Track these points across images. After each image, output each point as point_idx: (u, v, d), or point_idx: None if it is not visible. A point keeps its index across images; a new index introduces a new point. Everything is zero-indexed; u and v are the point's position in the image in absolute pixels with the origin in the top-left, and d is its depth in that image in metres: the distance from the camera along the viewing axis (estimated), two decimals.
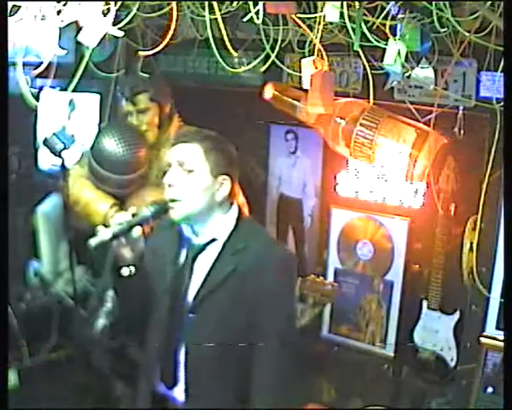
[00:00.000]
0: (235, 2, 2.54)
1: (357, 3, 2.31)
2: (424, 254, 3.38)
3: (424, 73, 2.90)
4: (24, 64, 2.38)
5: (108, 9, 2.33)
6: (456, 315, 3.24)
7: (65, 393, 3.16)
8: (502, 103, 2.69)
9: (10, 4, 2.16)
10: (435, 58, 2.78)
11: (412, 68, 2.79)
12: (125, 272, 2.16)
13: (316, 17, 2.45)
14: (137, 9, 2.60)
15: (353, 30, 2.37)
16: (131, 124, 3.27)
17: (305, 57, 2.65)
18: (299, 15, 2.52)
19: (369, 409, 3.46)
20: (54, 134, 2.58)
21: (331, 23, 2.49)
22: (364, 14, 2.38)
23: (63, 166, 2.50)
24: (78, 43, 2.41)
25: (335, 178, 3.53)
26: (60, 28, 2.32)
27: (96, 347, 2.58)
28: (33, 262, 3.56)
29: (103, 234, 2.09)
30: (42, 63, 2.38)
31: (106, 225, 2.13)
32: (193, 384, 2.25)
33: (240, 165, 2.32)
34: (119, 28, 2.42)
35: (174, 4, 2.59)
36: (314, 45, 2.54)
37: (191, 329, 2.24)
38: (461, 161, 3.10)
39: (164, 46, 2.76)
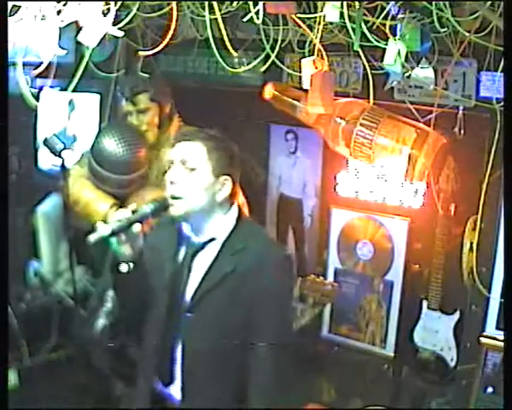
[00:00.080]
0: (235, 2, 2.54)
1: (357, 3, 2.31)
2: (424, 254, 3.38)
3: (424, 73, 2.90)
4: (24, 64, 2.38)
5: (108, 9, 2.33)
6: (456, 315, 3.24)
7: (65, 393, 3.16)
8: (502, 103, 2.69)
9: (10, 4, 2.16)
10: (435, 58, 2.78)
11: (412, 68, 2.79)
12: (124, 268, 2.16)
13: (316, 17, 2.45)
14: (137, 9, 2.60)
15: (353, 30, 2.37)
16: (131, 124, 3.27)
17: (305, 57, 2.65)
18: (299, 15, 2.52)
19: (369, 409, 3.46)
20: (54, 134, 2.58)
21: (331, 23, 2.49)
22: (364, 14, 2.38)
23: (63, 166, 2.50)
24: (78, 43, 2.41)
25: (335, 178, 3.53)
26: (60, 28, 2.32)
27: (96, 347, 2.57)
28: (33, 262, 3.56)
29: (102, 230, 2.09)
30: (42, 63, 2.38)
31: (105, 222, 2.13)
32: (190, 383, 2.26)
33: (240, 163, 2.33)
34: (119, 28, 2.42)
35: (174, 4, 2.59)
36: (314, 45, 2.54)
37: (188, 327, 2.24)
38: (461, 161, 3.11)
39: (164, 46, 2.76)
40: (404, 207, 3.39)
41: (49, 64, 2.40)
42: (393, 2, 2.34)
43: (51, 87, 3.77)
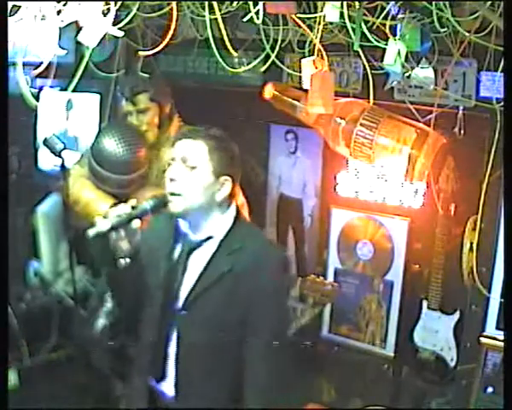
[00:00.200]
0: (235, 2, 2.54)
1: (357, 3, 2.31)
2: (424, 254, 3.38)
3: (424, 73, 2.90)
4: (24, 64, 2.38)
5: (108, 9, 2.33)
6: (456, 315, 3.24)
7: (65, 393, 3.16)
8: (502, 103, 2.69)
9: (10, 4, 2.16)
10: (435, 58, 2.78)
11: (412, 68, 2.79)
12: (121, 263, 2.16)
13: (316, 17, 2.45)
14: (137, 9, 2.60)
15: (353, 30, 2.37)
16: (131, 124, 3.27)
17: (305, 57, 2.65)
18: (299, 15, 2.52)
19: (369, 409, 3.46)
20: (54, 134, 2.58)
21: (331, 23, 2.49)
22: (364, 14, 2.38)
23: (63, 166, 2.50)
24: (78, 43, 2.41)
25: (335, 178, 3.53)
26: (60, 28, 2.32)
27: (96, 347, 2.58)
28: (33, 262, 3.56)
29: (101, 225, 2.10)
30: (42, 63, 2.38)
31: (105, 217, 2.14)
32: (184, 381, 2.26)
33: (241, 164, 2.33)
34: (119, 28, 2.42)
35: (174, 4, 2.59)
36: (314, 45, 2.54)
37: (184, 325, 2.25)
38: (461, 161, 3.11)
39: (164, 46, 2.76)
40: (404, 207, 3.39)
41: (49, 64, 2.39)
42: (393, 2, 2.34)
43: (51, 87, 3.77)
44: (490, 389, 3.02)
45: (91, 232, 2.08)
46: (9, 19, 2.15)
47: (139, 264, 2.20)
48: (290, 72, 3.25)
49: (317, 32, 2.46)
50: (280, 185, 3.87)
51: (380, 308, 3.54)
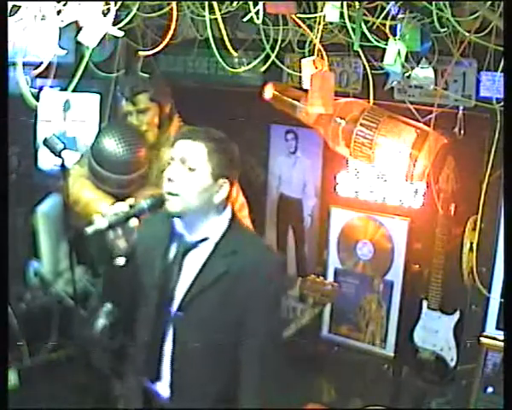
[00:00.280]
0: (235, 2, 2.54)
1: (357, 3, 2.31)
2: (424, 254, 3.38)
3: (424, 73, 2.90)
4: (24, 64, 2.38)
5: (108, 9, 2.33)
6: (456, 315, 3.24)
7: (65, 393, 3.16)
8: (502, 103, 2.69)
9: (10, 4, 2.16)
10: (435, 58, 2.77)
11: (412, 68, 2.78)
12: (118, 262, 2.17)
13: (316, 17, 2.45)
14: (137, 9, 2.60)
15: (353, 30, 2.37)
16: (131, 124, 3.27)
17: (305, 57, 2.65)
18: (299, 15, 2.52)
19: (369, 409, 3.46)
20: (54, 134, 2.58)
21: (331, 23, 2.49)
22: (364, 14, 2.38)
23: (63, 166, 2.49)
24: (78, 43, 2.41)
25: (335, 178, 3.53)
26: (60, 28, 2.31)
27: (96, 347, 2.57)
28: (33, 262, 3.56)
29: (99, 223, 2.10)
30: (42, 63, 2.38)
31: (103, 215, 2.14)
32: (179, 383, 2.27)
33: (240, 165, 2.33)
34: (119, 28, 2.42)
35: (174, 4, 2.59)
36: (314, 45, 2.54)
37: (179, 326, 2.25)
38: (461, 161, 3.11)
39: (164, 46, 2.76)
40: (404, 207, 3.39)
41: (49, 64, 2.39)
42: (393, 2, 2.34)
43: (51, 87, 3.76)
44: (490, 389, 3.02)
45: (89, 230, 2.09)
46: (9, 19, 2.15)
47: (135, 263, 2.21)
48: (290, 72, 3.25)
49: (317, 32, 2.46)
50: (280, 185, 3.87)
51: (380, 308, 3.54)
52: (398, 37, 2.40)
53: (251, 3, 2.39)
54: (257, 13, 2.39)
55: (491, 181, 2.88)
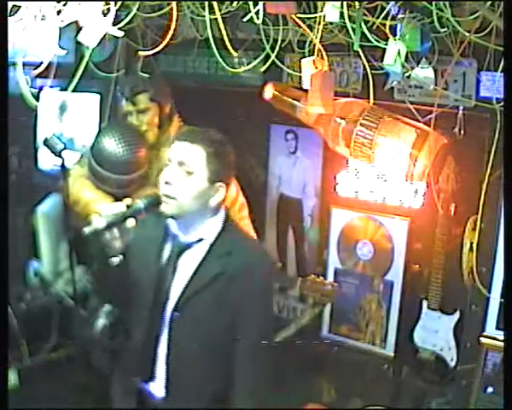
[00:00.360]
0: (235, 2, 2.54)
1: (357, 3, 2.31)
2: (424, 254, 3.38)
3: (424, 73, 2.90)
4: (24, 64, 2.38)
5: (108, 9, 2.33)
6: (456, 315, 3.24)
7: (65, 393, 3.16)
8: (502, 103, 2.69)
9: (10, 4, 2.16)
10: (435, 58, 2.77)
11: (412, 68, 2.78)
12: (113, 261, 2.17)
13: (316, 17, 2.45)
14: (137, 9, 2.60)
15: (353, 30, 2.37)
16: (131, 124, 3.26)
17: (305, 57, 2.65)
18: (299, 15, 2.52)
19: (369, 409, 3.46)
20: (54, 134, 2.58)
21: (331, 23, 2.49)
22: (364, 14, 2.38)
23: (63, 166, 2.50)
24: (78, 43, 2.41)
25: (335, 178, 3.53)
26: (60, 28, 2.32)
27: (96, 347, 2.58)
28: (33, 262, 3.56)
29: (97, 223, 2.10)
30: (42, 63, 2.38)
31: (100, 215, 2.15)
32: (173, 383, 2.28)
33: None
34: (119, 28, 2.42)
35: (174, 4, 2.59)
36: (314, 45, 2.54)
37: (174, 326, 2.26)
38: (461, 161, 3.10)
39: (164, 46, 2.76)
40: (404, 207, 3.39)
41: (49, 64, 2.39)
42: (393, 2, 2.34)
43: (51, 87, 3.77)
44: (490, 389, 3.02)
45: (87, 230, 2.10)
46: (9, 19, 2.15)
47: (129, 263, 2.22)
48: (290, 72, 3.25)
49: (317, 32, 2.46)
50: (280, 185, 3.87)
51: (380, 308, 3.54)
52: (398, 37, 2.40)
53: (251, 3, 2.39)
54: (257, 13, 2.39)
55: (491, 181, 2.88)
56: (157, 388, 2.31)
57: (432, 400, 3.37)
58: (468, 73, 3.01)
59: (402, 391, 3.52)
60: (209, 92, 3.71)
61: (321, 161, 3.69)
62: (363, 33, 2.38)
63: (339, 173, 3.51)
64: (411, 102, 3.07)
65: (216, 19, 2.48)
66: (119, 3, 2.36)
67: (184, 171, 2.18)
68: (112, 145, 3.12)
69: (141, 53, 3.23)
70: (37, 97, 3.19)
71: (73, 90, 2.53)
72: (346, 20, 2.31)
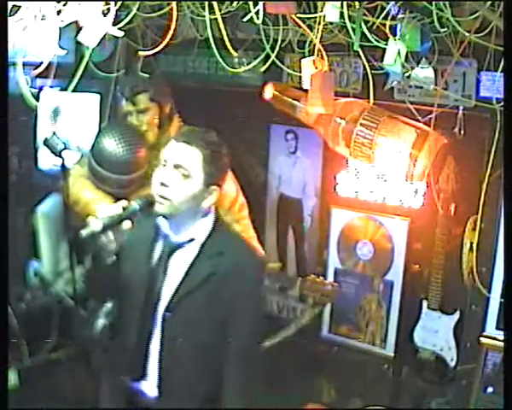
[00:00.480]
0: (235, 2, 2.54)
1: (357, 3, 2.31)
2: (424, 254, 3.38)
3: (424, 73, 2.90)
4: (24, 64, 2.38)
5: (108, 9, 2.33)
6: (456, 315, 3.24)
7: (65, 393, 3.16)
8: (502, 103, 2.69)
9: (10, 4, 2.16)
10: (435, 58, 2.77)
11: (412, 68, 2.79)
12: (108, 262, 2.19)
13: (316, 17, 2.45)
14: (137, 9, 2.60)
15: (353, 30, 2.37)
16: (131, 124, 3.26)
17: (305, 57, 2.65)
18: (299, 15, 2.52)
19: (369, 409, 3.46)
20: (54, 134, 2.58)
21: (331, 23, 2.49)
22: (364, 14, 2.38)
23: (63, 166, 2.50)
24: (78, 43, 2.41)
25: (335, 178, 3.53)
26: (60, 28, 2.32)
27: (96, 347, 2.58)
28: (33, 262, 3.56)
29: (94, 225, 2.11)
30: (42, 63, 2.38)
31: (97, 217, 2.15)
32: (165, 382, 2.28)
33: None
34: (119, 28, 2.42)
35: (174, 4, 2.59)
36: (314, 45, 2.54)
37: (166, 326, 2.26)
38: (461, 161, 3.11)
39: (164, 46, 2.76)
40: (404, 207, 3.39)
41: (49, 64, 2.39)
42: (393, 2, 2.34)
43: (51, 87, 3.77)
44: (490, 389, 3.02)
45: (84, 232, 2.10)
46: (9, 19, 2.15)
47: (122, 263, 2.24)
48: (290, 72, 3.25)
49: (317, 32, 2.46)
50: (280, 185, 3.87)
51: (380, 308, 3.54)
52: (398, 37, 2.40)
53: (251, 3, 2.39)
54: (257, 13, 2.39)
55: (491, 181, 2.88)
56: (149, 387, 2.32)
57: (432, 400, 3.37)
58: (468, 73, 3.01)
59: (402, 391, 3.52)
60: (209, 92, 3.71)
61: (321, 161, 3.69)
62: (363, 33, 2.39)
63: (339, 173, 3.51)
64: (411, 102, 3.07)
65: (216, 19, 2.48)
66: (119, 3, 2.36)
67: (180, 173, 2.18)
68: (112, 145, 3.12)
69: (141, 53, 3.23)
70: (37, 97, 3.20)
71: (73, 90, 2.53)
72: (346, 20, 2.31)
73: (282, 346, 3.28)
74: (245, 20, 2.45)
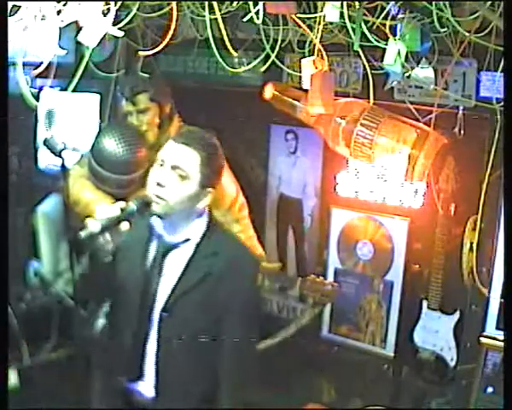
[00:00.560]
0: (235, 2, 2.54)
1: (357, 3, 2.32)
2: (424, 254, 3.38)
3: (424, 73, 2.90)
4: (24, 64, 2.38)
5: (108, 9, 2.34)
6: (456, 315, 3.24)
7: (65, 393, 3.16)
8: (502, 103, 2.69)
9: (10, 4, 2.16)
10: (435, 58, 2.78)
11: (412, 68, 2.79)
12: (105, 263, 2.19)
13: (316, 17, 2.45)
14: (137, 9, 2.60)
15: (353, 30, 2.37)
16: (131, 124, 3.26)
17: (305, 57, 2.65)
18: (299, 15, 2.52)
19: (369, 409, 3.46)
20: (54, 134, 2.58)
21: (331, 23, 2.49)
22: (364, 14, 2.38)
23: (63, 166, 2.50)
24: (78, 43, 2.41)
25: (335, 178, 3.53)
26: (60, 28, 2.32)
27: (96, 347, 2.58)
28: (33, 262, 3.56)
29: (92, 226, 2.11)
30: (42, 63, 2.38)
31: (96, 219, 2.15)
32: (162, 382, 2.28)
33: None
34: (119, 28, 2.42)
35: (174, 4, 2.59)
36: (314, 45, 2.54)
37: (162, 326, 2.26)
38: (461, 161, 3.11)
39: (164, 46, 2.76)
40: (404, 207, 3.39)
41: (49, 64, 2.40)
42: (393, 2, 2.34)
43: (51, 87, 3.77)
44: (490, 389, 3.02)
45: (83, 234, 2.10)
46: (9, 19, 2.15)
47: (117, 263, 2.24)
48: (290, 72, 3.25)
49: (317, 32, 2.46)
50: (280, 185, 3.87)
51: (380, 308, 3.54)
52: (398, 37, 2.40)
53: (251, 3, 2.40)
54: (257, 13, 2.39)
55: (491, 181, 2.88)
56: (146, 388, 2.32)
57: (432, 400, 3.37)
58: (468, 73, 3.01)
59: (402, 391, 3.52)
60: (209, 92, 3.71)
61: (321, 161, 3.69)
62: (363, 33, 2.39)
63: (339, 173, 3.51)
64: (411, 102, 3.08)
65: (216, 19, 2.48)
66: (119, 3, 2.36)
67: (178, 174, 2.18)
68: (112, 145, 3.12)
69: (141, 53, 3.24)
70: (37, 97, 3.19)
71: (73, 90, 2.54)
72: (346, 20, 2.32)
73: (282, 346, 3.28)
74: (245, 20, 2.45)
